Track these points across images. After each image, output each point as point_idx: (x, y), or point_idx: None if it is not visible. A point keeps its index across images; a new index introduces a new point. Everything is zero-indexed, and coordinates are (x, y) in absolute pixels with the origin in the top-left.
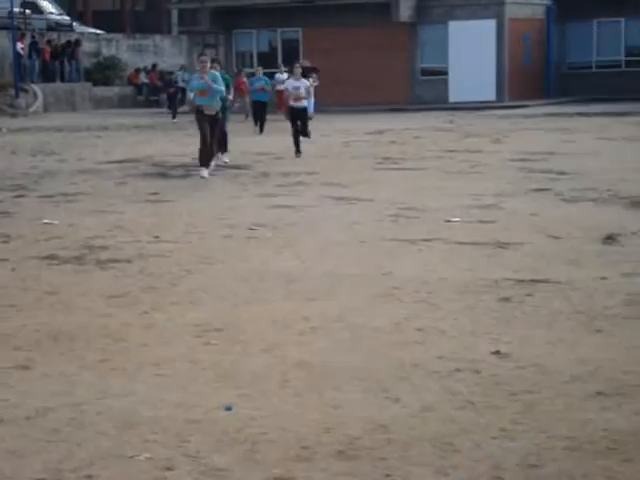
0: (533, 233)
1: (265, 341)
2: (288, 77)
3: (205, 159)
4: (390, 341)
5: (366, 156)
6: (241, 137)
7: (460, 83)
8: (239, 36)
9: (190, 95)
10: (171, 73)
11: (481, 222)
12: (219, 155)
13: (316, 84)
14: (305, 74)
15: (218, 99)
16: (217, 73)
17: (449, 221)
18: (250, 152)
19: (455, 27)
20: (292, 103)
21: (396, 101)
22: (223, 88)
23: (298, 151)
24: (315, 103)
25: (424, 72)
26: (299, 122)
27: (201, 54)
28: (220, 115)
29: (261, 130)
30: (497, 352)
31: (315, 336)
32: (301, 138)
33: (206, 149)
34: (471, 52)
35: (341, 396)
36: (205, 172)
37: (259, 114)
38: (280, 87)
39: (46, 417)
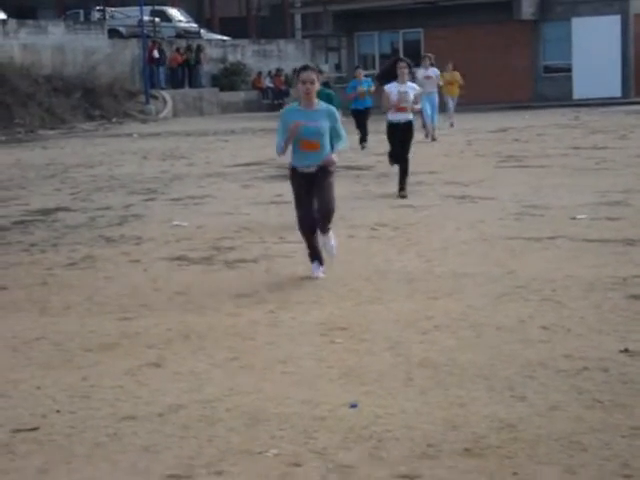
0: None
1: (389, 339)
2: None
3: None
4: (515, 339)
5: (489, 154)
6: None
7: (585, 80)
8: (361, 38)
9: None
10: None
11: (608, 219)
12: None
13: (440, 83)
14: (391, 77)
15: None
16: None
17: (575, 218)
18: (371, 153)
19: (579, 24)
20: (393, 116)
21: (519, 99)
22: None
23: (403, 189)
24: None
25: (547, 69)
26: (401, 141)
27: (299, 70)
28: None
29: (362, 141)
30: (625, 350)
31: (439, 334)
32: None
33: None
34: (595, 48)
35: (466, 394)
36: (319, 271)
37: (361, 123)
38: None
39: (178, 414)
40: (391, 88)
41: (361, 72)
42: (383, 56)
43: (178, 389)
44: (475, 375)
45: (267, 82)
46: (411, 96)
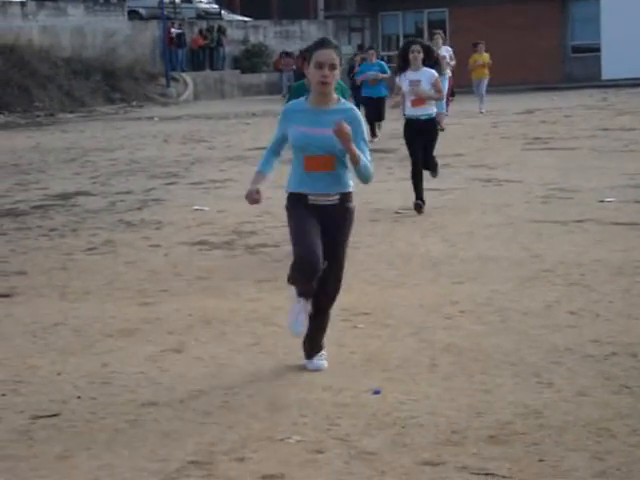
0: None
1: (413, 325)
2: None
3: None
4: (541, 324)
5: (515, 137)
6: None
7: (614, 60)
8: (385, 19)
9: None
10: None
11: (637, 202)
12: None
13: (452, 63)
14: (430, 63)
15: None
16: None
17: (603, 201)
18: (395, 135)
19: (608, 2)
20: (409, 111)
21: (546, 80)
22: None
23: (420, 199)
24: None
25: (575, 49)
26: (422, 144)
27: (315, 46)
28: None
29: (373, 134)
30: None
31: (464, 320)
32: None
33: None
34: (625, 28)
35: (491, 380)
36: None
37: (373, 115)
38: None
39: (199, 400)
40: (402, 77)
41: (374, 54)
42: (407, 36)
43: (199, 375)
44: (500, 361)
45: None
46: (424, 85)
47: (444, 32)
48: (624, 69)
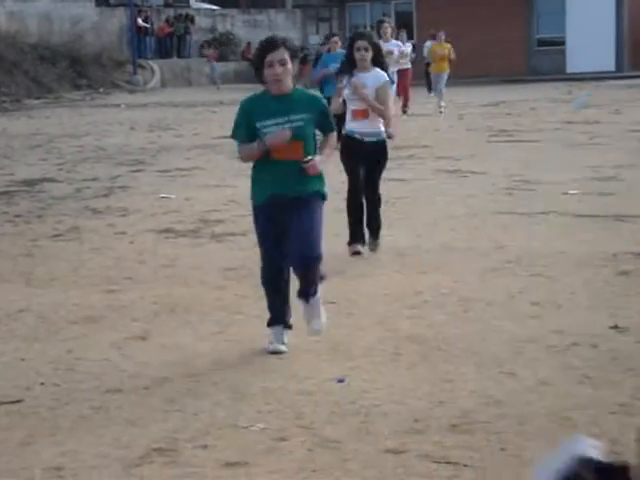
0: None
1: (377, 314)
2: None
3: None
4: (504, 315)
5: (480, 129)
6: None
7: (578, 53)
8: (352, 9)
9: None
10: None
11: (600, 194)
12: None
13: (404, 60)
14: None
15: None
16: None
17: (566, 193)
18: None
19: None
20: (350, 126)
21: (512, 72)
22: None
23: (357, 240)
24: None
25: (540, 42)
26: (364, 170)
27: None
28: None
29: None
30: (615, 326)
31: (427, 309)
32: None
33: None
34: (589, 21)
35: (454, 370)
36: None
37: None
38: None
39: (163, 387)
40: (343, 82)
41: (337, 41)
42: (381, 22)
43: (164, 362)
44: (463, 351)
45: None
46: (371, 90)
47: (411, 23)
48: (588, 63)
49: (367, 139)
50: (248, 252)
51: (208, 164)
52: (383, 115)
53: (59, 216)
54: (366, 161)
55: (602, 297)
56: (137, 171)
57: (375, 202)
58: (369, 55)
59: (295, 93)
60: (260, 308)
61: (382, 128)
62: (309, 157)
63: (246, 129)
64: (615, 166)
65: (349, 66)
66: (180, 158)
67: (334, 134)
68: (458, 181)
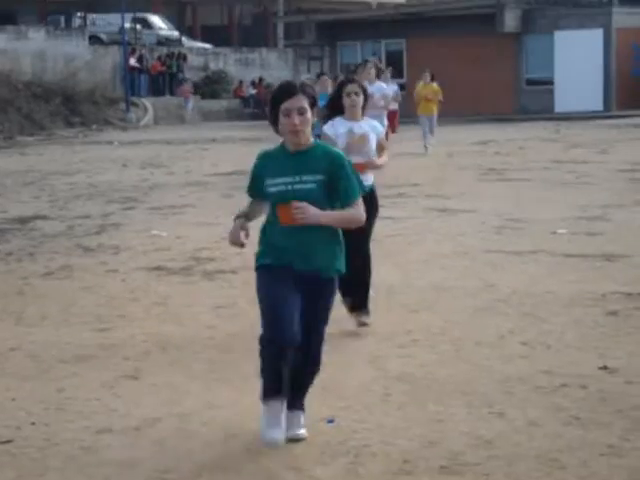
0: None
1: (367, 353)
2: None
3: None
4: (494, 355)
5: (470, 167)
6: None
7: (566, 93)
8: (344, 48)
9: None
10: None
11: (588, 234)
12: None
13: (398, 100)
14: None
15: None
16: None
17: (555, 233)
18: None
19: (561, 37)
20: None
21: (501, 111)
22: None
23: (361, 306)
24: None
25: (529, 82)
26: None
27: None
28: None
29: None
30: (604, 367)
31: (418, 349)
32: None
33: None
34: (578, 62)
35: (444, 410)
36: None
37: None
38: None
39: (154, 427)
40: (333, 128)
41: (327, 80)
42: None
43: (155, 402)
44: (453, 391)
45: (250, 90)
46: (372, 141)
47: (402, 62)
48: (576, 102)
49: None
50: (239, 290)
51: (200, 202)
52: (378, 166)
53: (51, 254)
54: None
55: (591, 337)
56: (129, 208)
57: (365, 262)
58: (360, 100)
59: (314, 149)
60: (251, 347)
61: (370, 176)
62: (297, 204)
63: (256, 185)
64: (603, 206)
65: (333, 112)
66: (172, 195)
67: (357, 209)
68: (448, 219)
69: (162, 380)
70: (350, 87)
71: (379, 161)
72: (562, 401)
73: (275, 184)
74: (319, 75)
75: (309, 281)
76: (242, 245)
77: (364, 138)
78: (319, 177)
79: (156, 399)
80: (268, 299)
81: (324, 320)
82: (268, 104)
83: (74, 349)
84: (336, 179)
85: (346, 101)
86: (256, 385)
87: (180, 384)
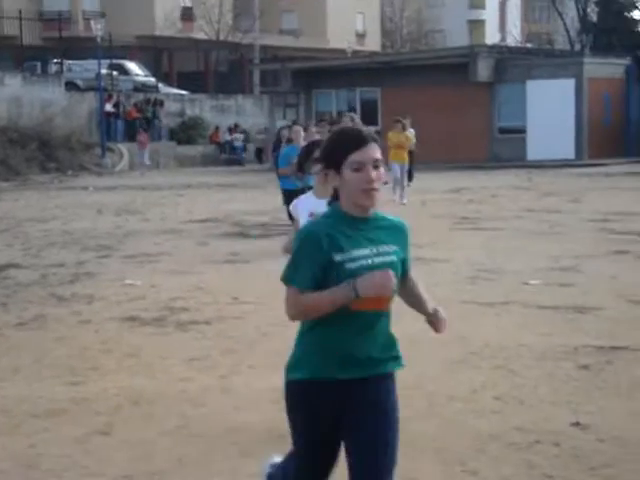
0: (613, 297)
1: None
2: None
3: None
4: (467, 409)
5: (443, 215)
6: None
7: (538, 141)
8: (319, 96)
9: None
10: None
11: (560, 285)
12: None
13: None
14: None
15: None
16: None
17: (527, 284)
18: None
19: (533, 86)
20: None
21: (474, 159)
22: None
23: None
24: None
25: (502, 130)
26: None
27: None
28: None
29: None
30: (577, 423)
31: None
32: None
33: None
34: (550, 111)
35: (417, 468)
36: None
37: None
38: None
39: None
40: (302, 206)
41: (299, 131)
42: (341, 114)
43: (126, 459)
44: (426, 447)
45: (227, 137)
46: None
47: (376, 111)
48: (548, 150)
49: None
50: (212, 342)
51: (175, 249)
52: None
53: (24, 303)
54: None
55: (564, 392)
56: (104, 256)
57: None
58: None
59: (377, 214)
60: (224, 402)
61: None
62: (434, 308)
63: (315, 269)
64: (575, 256)
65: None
66: (147, 243)
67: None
68: (422, 269)
69: (134, 436)
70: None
71: None
72: (535, 458)
73: (354, 258)
74: (293, 123)
75: (377, 390)
76: None
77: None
78: (395, 248)
79: (127, 456)
80: (308, 433)
81: None
82: (326, 155)
83: (46, 403)
84: (405, 250)
85: (314, 171)
86: (228, 442)
87: (152, 440)
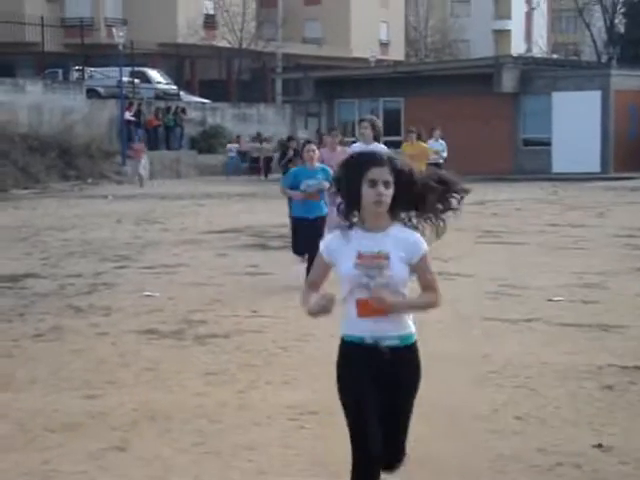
0: (638, 315)
1: None
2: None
3: None
4: (489, 429)
5: (467, 229)
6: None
7: (564, 154)
8: (342, 105)
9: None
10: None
11: (584, 302)
12: None
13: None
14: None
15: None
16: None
17: (551, 300)
18: None
19: (559, 98)
20: (351, 327)
21: (498, 171)
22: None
23: None
24: None
25: (527, 142)
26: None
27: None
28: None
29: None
30: (599, 445)
31: (413, 421)
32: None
33: None
34: (575, 123)
35: None
36: None
37: (309, 244)
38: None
39: None
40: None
41: (314, 151)
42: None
43: (142, 476)
44: (447, 467)
45: (235, 147)
46: (396, 269)
47: (399, 121)
48: (573, 163)
49: (386, 343)
50: (230, 356)
51: (193, 261)
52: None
53: (41, 314)
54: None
55: (586, 412)
56: (122, 267)
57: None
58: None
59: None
60: (242, 418)
61: (410, 323)
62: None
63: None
64: (599, 272)
65: (349, 209)
66: (166, 254)
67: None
68: (446, 284)
69: (150, 452)
70: (309, 146)
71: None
72: None
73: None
74: (304, 144)
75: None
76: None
77: (380, 262)
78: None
79: (143, 473)
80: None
81: None
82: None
83: (61, 417)
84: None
85: (370, 196)
86: (245, 459)
87: (168, 457)
